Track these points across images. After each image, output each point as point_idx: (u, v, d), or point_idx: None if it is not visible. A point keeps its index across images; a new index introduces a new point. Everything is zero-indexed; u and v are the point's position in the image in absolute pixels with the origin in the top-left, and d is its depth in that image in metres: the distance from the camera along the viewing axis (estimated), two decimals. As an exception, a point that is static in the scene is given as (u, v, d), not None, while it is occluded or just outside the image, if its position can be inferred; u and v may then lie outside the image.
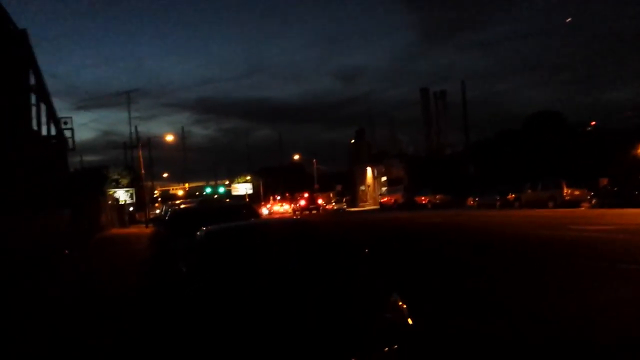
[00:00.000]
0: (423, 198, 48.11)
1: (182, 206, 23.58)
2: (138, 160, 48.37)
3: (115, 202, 48.96)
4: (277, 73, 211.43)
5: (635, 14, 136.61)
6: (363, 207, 70.28)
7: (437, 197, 47.05)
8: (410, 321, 4.03)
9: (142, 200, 50.50)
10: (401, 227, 23.89)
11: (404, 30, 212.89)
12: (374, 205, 66.35)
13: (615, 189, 27.63)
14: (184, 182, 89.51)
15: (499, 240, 14.92)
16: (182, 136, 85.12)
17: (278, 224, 7.86)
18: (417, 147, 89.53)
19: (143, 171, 48.53)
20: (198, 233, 5.89)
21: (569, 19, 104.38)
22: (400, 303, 4.16)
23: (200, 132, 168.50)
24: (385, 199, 56.65)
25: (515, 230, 17.32)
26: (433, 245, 15.25)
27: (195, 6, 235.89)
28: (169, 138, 57.63)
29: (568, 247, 11.99)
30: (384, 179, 70.88)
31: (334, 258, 5.05)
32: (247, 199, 64.51)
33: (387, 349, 3.70)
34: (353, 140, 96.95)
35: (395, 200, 53.35)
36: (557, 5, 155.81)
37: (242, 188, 79.14)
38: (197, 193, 75.42)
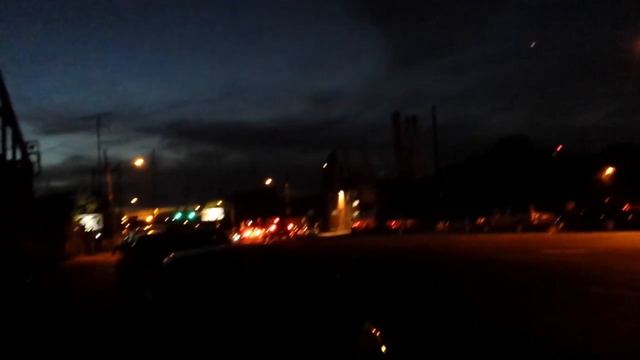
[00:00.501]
0: (394, 223, 48.50)
1: (149, 232, 23.11)
2: (106, 185, 47.46)
3: (81, 229, 47.80)
4: (250, 97, 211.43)
5: (602, 39, 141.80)
6: (334, 232, 70.07)
7: (408, 222, 47.50)
8: (383, 349, 3.93)
9: (110, 226, 49.46)
10: (374, 254, 23.77)
11: (377, 56, 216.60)
12: (346, 230, 66.28)
13: (581, 213, 28.15)
14: (153, 207, 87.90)
15: (475, 265, 15.00)
16: (152, 160, 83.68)
17: (247, 250, 7.70)
18: (388, 171, 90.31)
19: (111, 197, 47.62)
20: (164, 260, 5.70)
21: (533, 44, 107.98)
22: (374, 331, 4.06)
23: (172, 156, 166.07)
24: (357, 224, 56.77)
25: (487, 256, 17.44)
26: (410, 272, 15.20)
27: (169, 29, 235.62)
28: (139, 162, 56.87)
29: (542, 270, 12.19)
30: (355, 203, 71.06)
31: (305, 285, 4.92)
32: (218, 225, 63.89)
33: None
34: (325, 165, 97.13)
35: (367, 225, 53.50)
36: (526, 30, 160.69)
37: (213, 213, 78.39)
38: (166, 219, 74.12)
